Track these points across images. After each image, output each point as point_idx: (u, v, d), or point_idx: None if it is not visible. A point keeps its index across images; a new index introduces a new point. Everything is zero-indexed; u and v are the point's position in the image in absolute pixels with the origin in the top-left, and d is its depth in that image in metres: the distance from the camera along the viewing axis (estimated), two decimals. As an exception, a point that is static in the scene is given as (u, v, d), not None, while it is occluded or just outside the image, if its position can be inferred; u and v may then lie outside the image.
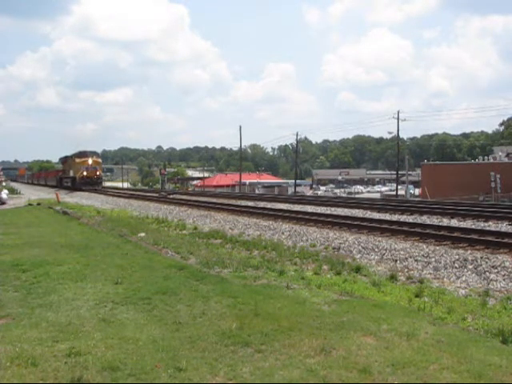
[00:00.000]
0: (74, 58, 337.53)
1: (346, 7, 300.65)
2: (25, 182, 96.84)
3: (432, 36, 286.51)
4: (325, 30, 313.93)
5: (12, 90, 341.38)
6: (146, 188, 79.32)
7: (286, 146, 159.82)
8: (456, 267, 9.39)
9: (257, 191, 65.40)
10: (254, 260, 10.67)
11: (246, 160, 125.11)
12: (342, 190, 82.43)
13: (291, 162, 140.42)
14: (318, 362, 4.52)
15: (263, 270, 9.38)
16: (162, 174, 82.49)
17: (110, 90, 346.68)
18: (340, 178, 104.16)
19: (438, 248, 10.75)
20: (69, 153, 54.96)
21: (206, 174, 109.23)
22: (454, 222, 15.22)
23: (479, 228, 13.41)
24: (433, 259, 10.03)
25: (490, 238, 11.14)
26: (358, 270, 9.53)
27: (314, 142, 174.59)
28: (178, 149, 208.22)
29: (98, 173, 50.43)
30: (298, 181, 75.16)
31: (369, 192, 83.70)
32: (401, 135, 64.32)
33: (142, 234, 15.14)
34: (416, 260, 10.21)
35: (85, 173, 48.52)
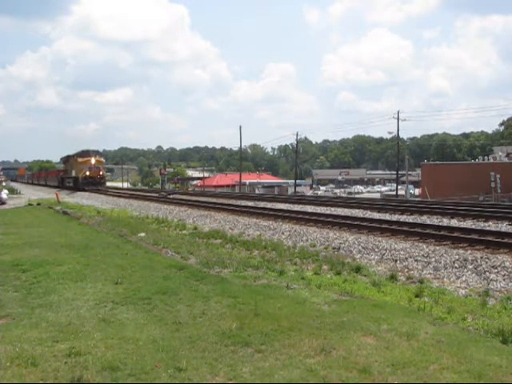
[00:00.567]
0: (74, 58, 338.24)
1: (346, 7, 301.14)
2: (25, 182, 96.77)
3: (432, 36, 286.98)
4: (325, 30, 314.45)
5: (12, 90, 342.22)
6: (146, 188, 79.33)
7: (286, 145, 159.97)
8: (456, 267, 9.39)
9: (257, 191, 65.42)
10: (254, 260, 10.67)
11: (245, 160, 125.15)
12: (342, 190, 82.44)
13: (291, 162, 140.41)
14: (318, 362, 4.52)
15: (263, 270, 9.38)
16: (161, 174, 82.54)
17: (110, 89, 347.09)
18: (340, 178, 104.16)
19: (438, 248, 10.75)
20: (69, 153, 54.68)
21: (206, 174, 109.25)
22: (454, 222, 15.22)
23: (479, 228, 13.40)
24: (433, 259, 10.03)
25: (490, 238, 11.14)
26: (358, 269, 9.53)
27: (314, 142, 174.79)
28: (177, 149, 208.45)
29: (101, 172, 49.45)
30: (297, 181, 75.16)
31: (369, 192, 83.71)
32: (401, 135, 64.42)
33: (142, 234, 15.14)
34: (416, 260, 10.21)
35: (87, 172, 47.65)
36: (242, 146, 77.53)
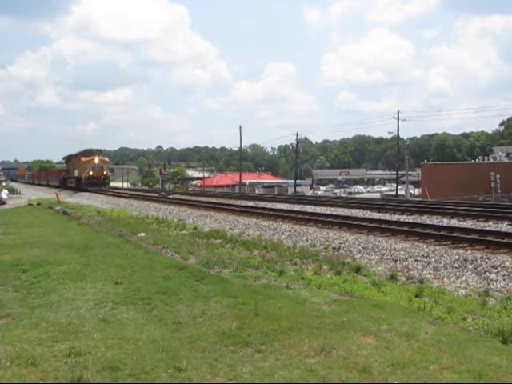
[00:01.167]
0: (74, 58, 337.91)
1: (346, 7, 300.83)
2: (25, 182, 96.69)
3: (432, 36, 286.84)
4: (325, 30, 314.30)
5: (12, 90, 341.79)
6: (146, 188, 79.32)
7: (286, 145, 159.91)
8: (456, 267, 9.39)
9: (257, 191, 65.42)
10: (254, 260, 10.67)
11: (245, 160, 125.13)
12: (342, 189, 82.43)
13: (291, 162, 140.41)
14: (318, 361, 4.52)
15: (263, 270, 9.38)
16: (161, 174, 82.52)
17: (110, 89, 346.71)
18: (340, 178, 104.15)
19: (438, 248, 10.75)
20: (69, 152, 54.06)
21: (206, 174, 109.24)
22: (454, 222, 15.22)
23: (479, 228, 13.40)
24: (433, 259, 10.03)
25: (490, 238, 11.14)
26: (358, 269, 9.53)
27: (314, 142, 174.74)
28: (177, 149, 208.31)
29: (104, 172, 47.92)
30: (297, 181, 75.17)
31: (369, 192, 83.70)
32: (401, 135, 64.41)
33: (142, 234, 15.14)
34: (416, 260, 10.21)
35: (91, 172, 46.30)
36: (242, 146, 77.61)
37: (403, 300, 7.29)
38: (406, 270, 9.73)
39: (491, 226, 14.16)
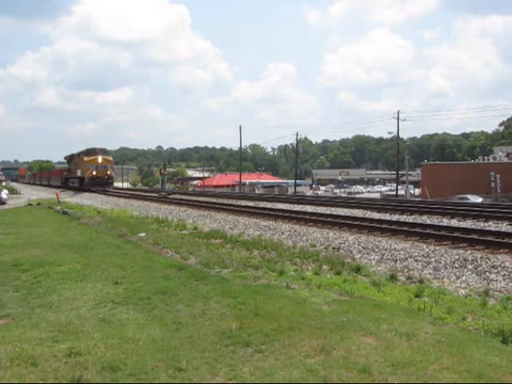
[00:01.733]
0: (75, 58, 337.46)
1: (347, 7, 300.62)
2: (25, 182, 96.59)
3: (432, 36, 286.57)
4: (325, 30, 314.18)
5: (12, 90, 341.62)
6: (146, 188, 79.30)
7: (286, 146, 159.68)
8: (456, 267, 9.39)
9: (257, 191, 65.38)
10: (254, 260, 10.67)
11: (245, 160, 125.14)
12: (342, 190, 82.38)
13: (291, 162, 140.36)
14: (318, 361, 4.52)
15: (263, 270, 9.38)
16: (161, 174, 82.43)
17: (110, 90, 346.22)
18: (340, 178, 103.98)
19: (438, 248, 10.75)
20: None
21: (206, 174, 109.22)
22: (454, 222, 15.22)
23: (479, 228, 13.41)
24: (433, 259, 10.03)
25: (490, 238, 11.14)
26: (357, 269, 9.53)
27: (314, 142, 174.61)
28: (177, 149, 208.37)
29: (108, 172, 46.21)
30: (298, 181, 75.16)
31: (369, 192, 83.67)
32: (401, 135, 64.45)
33: (142, 234, 15.14)
34: (416, 260, 10.21)
35: (94, 172, 44.74)
36: (242, 146, 77.60)
37: (403, 300, 7.29)
38: (405, 270, 9.73)
39: (491, 226, 14.16)
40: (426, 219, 16.28)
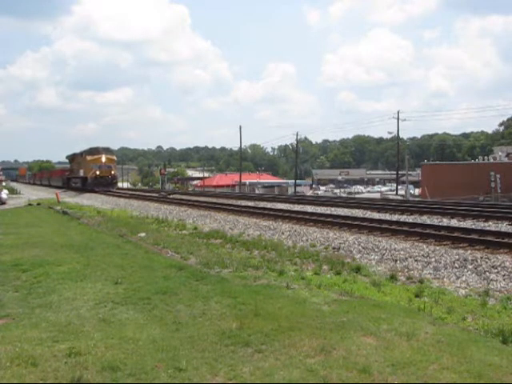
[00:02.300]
0: (75, 58, 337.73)
1: (347, 7, 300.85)
2: (26, 182, 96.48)
3: (432, 36, 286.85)
4: (325, 30, 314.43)
5: (12, 90, 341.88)
6: (146, 188, 79.28)
7: (286, 146, 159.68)
8: (456, 267, 9.39)
9: (257, 191, 65.35)
10: (254, 260, 10.67)
11: (245, 160, 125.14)
12: (342, 190, 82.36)
13: (291, 162, 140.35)
14: (318, 361, 4.52)
15: (263, 270, 9.38)
16: (161, 174, 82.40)
17: (110, 90, 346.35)
18: (340, 178, 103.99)
19: (438, 248, 10.75)
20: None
21: (206, 174, 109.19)
22: (454, 222, 15.22)
23: (479, 228, 13.40)
24: (433, 259, 10.03)
25: (490, 238, 11.14)
26: (357, 269, 9.53)
27: (314, 142, 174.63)
28: (177, 149, 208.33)
29: (112, 172, 45.05)
30: (298, 181, 75.19)
31: (369, 192, 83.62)
32: (401, 135, 64.46)
33: (142, 234, 15.14)
34: (416, 260, 10.21)
35: (97, 172, 43.46)
36: (242, 146, 77.58)
37: (403, 300, 7.29)
38: (405, 269, 9.73)
39: (491, 226, 14.16)
40: (426, 219, 16.28)
